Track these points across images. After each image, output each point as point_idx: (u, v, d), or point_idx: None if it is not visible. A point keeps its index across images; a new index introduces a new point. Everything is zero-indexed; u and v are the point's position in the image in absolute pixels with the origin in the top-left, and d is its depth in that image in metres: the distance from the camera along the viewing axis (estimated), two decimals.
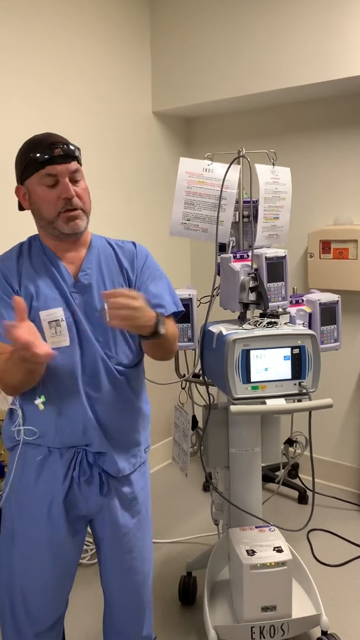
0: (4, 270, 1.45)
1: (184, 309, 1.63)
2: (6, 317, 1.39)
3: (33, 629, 1.54)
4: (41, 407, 1.42)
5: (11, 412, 1.54)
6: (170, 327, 1.50)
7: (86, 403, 1.45)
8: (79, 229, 1.45)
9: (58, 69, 2.68)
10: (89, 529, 1.62)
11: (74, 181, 1.43)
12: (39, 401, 1.42)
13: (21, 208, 1.54)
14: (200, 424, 2.14)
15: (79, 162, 1.46)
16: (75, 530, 1.53)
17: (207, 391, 2.02)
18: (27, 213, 1.52)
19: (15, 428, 1.50)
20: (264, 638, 1.85)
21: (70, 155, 1.41)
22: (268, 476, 3.03)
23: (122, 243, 1.60)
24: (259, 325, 1.84)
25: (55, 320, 1.42)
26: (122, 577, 1.60)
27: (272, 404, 1.75)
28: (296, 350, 1.78)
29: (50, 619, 1.56)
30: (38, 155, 1.39)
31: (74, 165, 1.42)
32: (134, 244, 1.60)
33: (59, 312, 1.43)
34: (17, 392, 1.43)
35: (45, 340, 1.38)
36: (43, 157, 1.38)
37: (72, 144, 1.43)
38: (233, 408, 1.72)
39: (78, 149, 1.45)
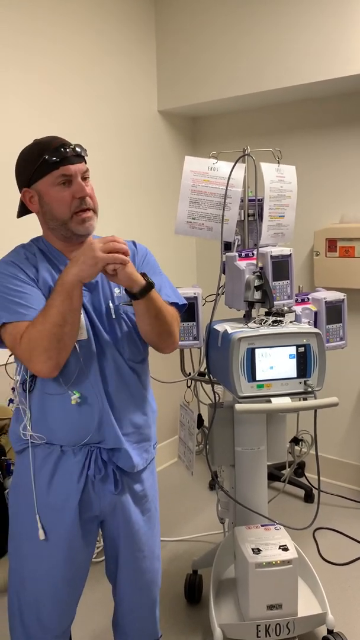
0: (16, 262, 1.45)
1: (186, 302, 1.64)
2: (33, 294, 1.40)
3: (43, 635, 1.53)
4: (75, 401, 1.43)
5: (17, 413, 1.53)
6: (166, 305, 1.49)
7: (105, 397, 1.46)
8: (92, 230, 1.47)
9: (63, 69, 2.68)
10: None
11: (84, 180, 1.45)
12: (74, 397, 1.43)
13: (20, 214, 1.54)
14: (206, 423, 2.15)
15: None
16: (87, 532, 1.53)
17: (213, 390, 2.02)
18: (27, 217, 1.52)
19: (23, 430, 1.48)
20: (270, 636, 1.85)
21: (81, 156, 1.44)
22: (274, 475, 3.03)
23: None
24: (264, 323, 1.83)
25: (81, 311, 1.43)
26: (134, 575, 1.61)
27: (278, 402, 1.75)
28: (301, 349, 1.78)
29: (62, 626, 1.56)
30: (52, 156, 1.40)
31: (84, 165, 1.45)
32: (134, 243, 1.62)
33: None
34: (52, 357, 1.34)
35: None
36: (58, 157, 1.39)
37: (80, 145, 1.45)
38: (238, 406, 1.72)
39: (85, 150, 1.47)
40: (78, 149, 1.43)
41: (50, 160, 1.39)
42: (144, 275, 1.40)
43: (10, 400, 2.38)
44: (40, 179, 1.42)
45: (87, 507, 1.50)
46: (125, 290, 1.40)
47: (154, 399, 1.66)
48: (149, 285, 1.39)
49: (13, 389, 1.57)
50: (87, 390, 1.45)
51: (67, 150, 1.40)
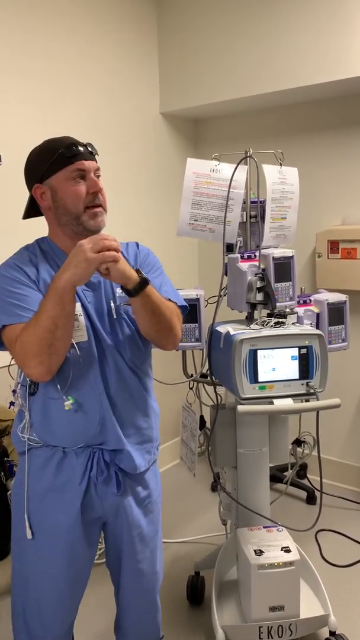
0: (18, 264, 1.46)
1: (187, 305, 1.63)
2: (32, 297, 1.40)
3: (46, 636, 1.54)
4: (68, 407, 1.42)
5: (20, 415, 1.53)
6: (164, 301, 1.48)
7: (106, 399, 1.46)
8: (103, 226, 1.48)
9: (66, 72, 2.69)
10: None
11: (97, 177, 1.47)
12: (68, 402, 1.42)
13: (26, 216, 1.55)
14: (208, 424, 2.15)
15: None
16: (89, 533, 1.53)
17: (215, 391, 2.02)
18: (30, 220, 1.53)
19: (22, 434, 1.50)
20: (272, 638, 1.85)
21: (92, 154, 1.47)
22: (276, 476, 3.02)
23: (127, 244, 1.62)
24: (266, 325, 1.84)
25: (74, 315, 1.43)
26: (136, 578, 1.60)
27: (280, 404, 1.75)
28: (304, 350, 1.78)
29: (63, 627, 1.57)
30: (68, 151, 1.43)
31: (96, 163, 1.48)
32: (137, 244, 1.63)
33: (77, 307, 1.44)
34: (44, 362, 1.34)
35: None
36: (73, 152, 1.43)
37: (91, 145, 1.48)
38: (241, 408, 1.73)
39: (96, 149, 1.50)
40: (89, 148, 1.47)
41: (66, 155, 1.42)
42: (138, 271, 1.39)
43: (11, 403, 2.38)
44: (54, 173, 1.44)
45: (90, 508, 1.50)
46: (121, 287, 1.39)
47: (156, 400, 1.65)
48: (144, 281, 1.38)
49: (14, 391, 1.57)
50: (87, 392, 1.45)
51: (82, 147, 1.44)
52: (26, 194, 1.52)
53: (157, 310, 1.43)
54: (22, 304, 1.39)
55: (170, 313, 1.49)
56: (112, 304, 1.49)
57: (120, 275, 1.35)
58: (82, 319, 1.44)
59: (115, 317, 1.49)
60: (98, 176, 1.47)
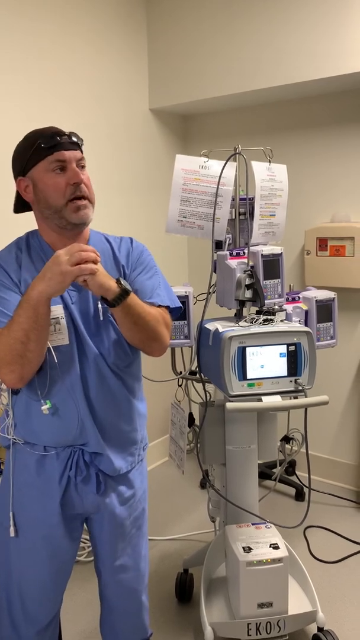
0: (2, 264, 1.44)
1: (181, 305, 1.59)
2: (12, 300, 1.37)
3: (30, 628, 1.54)
4: (46, 412, 1.41)
5: (5, 412, 1.53)
6: (149, 309, 1.43)
7: (85, 402, 1.44)
8: (88, 219, 1.43)
9: (54, 68, 2.67)
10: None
11: (80, 168, 1.42)
12: (45, 407, 1.41)
13: (17, 210, 1.52)
14: (197, 421, 2.15)
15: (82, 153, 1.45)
16: (71, 529, 1.53)
17: (204, 388, 2.02)
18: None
19: (3, 433, 1.50)
20: (260, 634, 1.85)
21: (76, 144, 1.42)
22: (265, 473, 3.03)
23: (120, 239, 1.58)
24: (255, 322, 1.84)
25: (55, 318, 1.40)
26: (118, 575, 1.60)
27: (268, 401, 1.75)
28: (292, 347, 1.78)
29: (47, 618, 1.56)
30: (46, 142, 1.38)
31: (79, 153, 1.42)
32: (131, 240, 1.59)
33: (59, 310, 1.41)
34: (15, 371, 1.34)
35: None
36: (52, 143, 1.37)
37: (75, 134, 1.43)
38: (229, 405, 1.72)
39: (82, 140, 1.45)
40: (73, 137, 1.41)
41: (45, 146, 1.37)
42: (118, 281, 1.35)
43: None
44: (34, 165, 1.40)
45: (70, 506, 1.50)
46: (101, 297, 1.36)
47: (144, 399, 1.63)
48: (124, 292, 1.34)
49: None
50: (64, 396, 1.43)
51: (62, 137, 1.39)
52: (13, 189, 1.50)
53: (140, 320, 1.39)
54: (1, 308, 1.37)
55: (156, 322, 1.44)
56: (99, 305, 1.45)
57: (98, 288, 1.31)
58: (63, 321, 1.41)
59: (101, 318, 1.45)
60: (82, 166, 1.42)
